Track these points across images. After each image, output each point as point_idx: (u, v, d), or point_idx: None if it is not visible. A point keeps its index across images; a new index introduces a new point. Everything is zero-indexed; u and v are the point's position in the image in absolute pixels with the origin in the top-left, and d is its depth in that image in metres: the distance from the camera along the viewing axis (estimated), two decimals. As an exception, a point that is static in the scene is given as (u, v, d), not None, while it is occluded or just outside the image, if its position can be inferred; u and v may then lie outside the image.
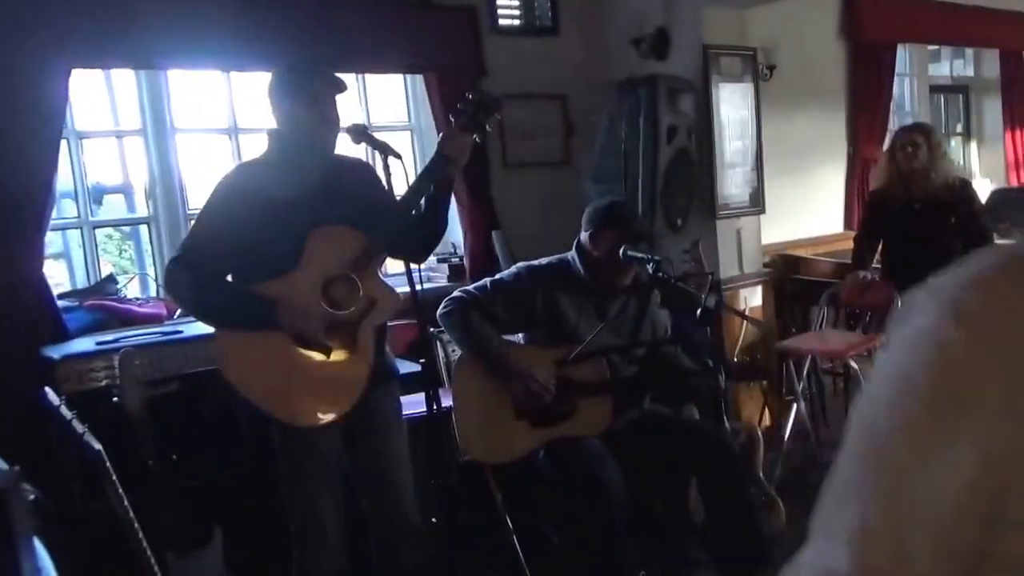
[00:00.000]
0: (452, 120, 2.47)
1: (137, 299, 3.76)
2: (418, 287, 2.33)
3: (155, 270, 3.91)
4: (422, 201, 2.47)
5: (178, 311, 3.69)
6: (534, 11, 4.63)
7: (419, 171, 2.51)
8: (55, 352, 3.14)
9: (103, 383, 3.06)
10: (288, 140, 2.48)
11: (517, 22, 4.58)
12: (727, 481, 2.92)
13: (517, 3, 4.57)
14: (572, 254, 3.07)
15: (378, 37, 4.00)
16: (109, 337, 3.30)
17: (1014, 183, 7.32)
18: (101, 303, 3.60)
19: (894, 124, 6.27)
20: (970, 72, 7.72)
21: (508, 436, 2.91)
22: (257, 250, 2.39)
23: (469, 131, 2.43)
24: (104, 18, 3.35)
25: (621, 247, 2.90)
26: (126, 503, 2.39)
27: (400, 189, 2.44)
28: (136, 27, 3.41)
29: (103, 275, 3.77)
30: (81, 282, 3.79)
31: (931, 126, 4.21)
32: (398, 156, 2.37)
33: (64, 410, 2.40)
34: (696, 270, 4.17)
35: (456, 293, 3.01)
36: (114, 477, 2.38)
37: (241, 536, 2.88)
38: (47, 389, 2.52)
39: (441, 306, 2.97)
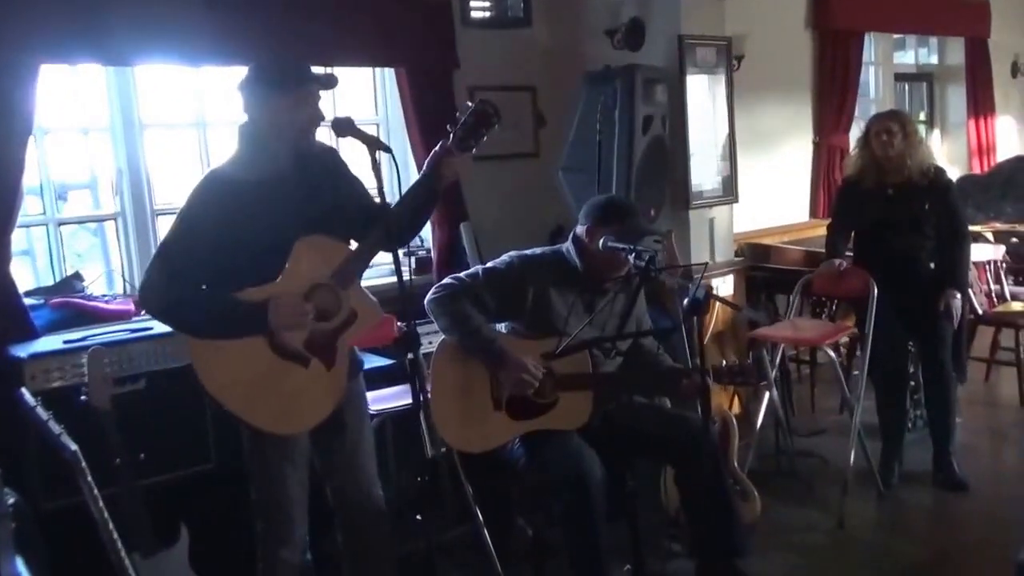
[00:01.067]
0: (451, 133, 2.40)
1: (104, 296, 3.70)
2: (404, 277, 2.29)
3: (122, 266, 3.85)
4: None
5: (146, 307, 3.65)
6: (506, 3, 4.61)
7: (409, 187, 2.45)
8: (22, 351, 3.09)
9: (71, 381, 3.02)
10: (264, 137, 2.38)
11: (488, 14, 4.55)
12: (704, 472, 2.91)
13: (487, -5, 4.55)
14: (568, 245, 3.04)
15: (349, 31, 3.95)
16: (77, 335, 3.25)
17: (977, 170, 7.42)
18: (67, 301, 3.54)
19: (859, 112, 6.33)
20: (934, 60, 7.79)
21: (485, 426, 2.87)
22: (239, 259, 2.33)
23: (468, 146, 2.39)
24: (73, 13, 3.28)
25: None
26: (101, 504, 2.37)
27: (387, 183, 2.37)
28: (105, 22, 3.34)
29: (68, 272, 3.70)
30: (46, 279, 3.71)
31: (906, 114, 4.22)
32: (388, 150, 2.31)
33: (40, 411, 2.37)
34: (668, 260, 4.18)
35: (447, 280, 2.96)
36: (89, 477, 2.36)
37: (207, 535, 2.86)
38: (23, 390, 2.48)
39: (431, 292, 2.93)
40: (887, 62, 7.21)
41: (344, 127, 2.33)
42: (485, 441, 2.91)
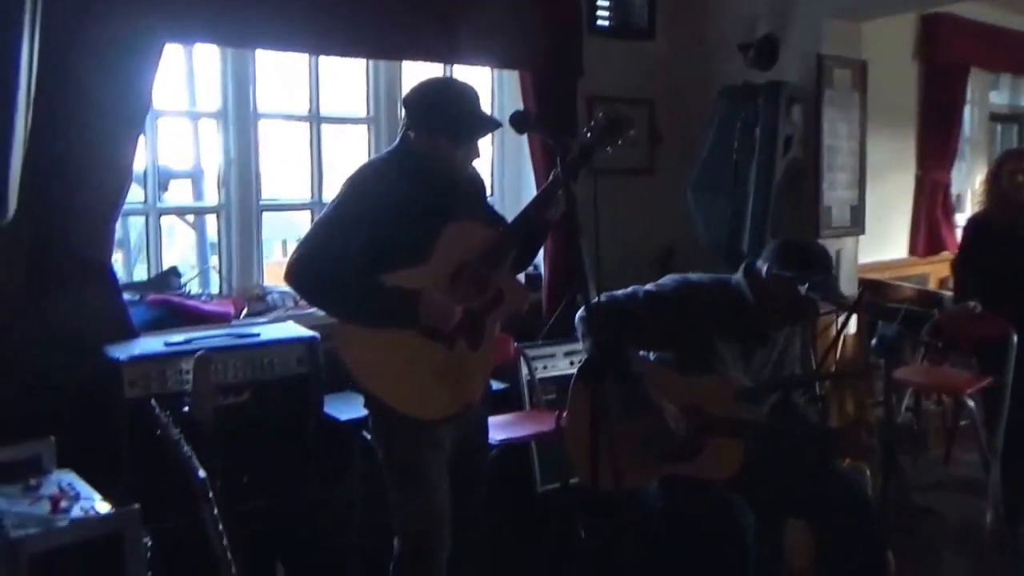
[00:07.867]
0: (577, 138, 2.35)
1: (200, 295, 3.43)
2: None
3: (220, 264, 3.59)
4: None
5: (244, 310, 3.42)
6: (630, 12, 4.37)
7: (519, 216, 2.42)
8: (121, 352, 2.85)
9: (172, 389, 2.80)
10: (423, 160, 2.39)
11: (610, 23, 4.32)
12: (863, 549, 2.62)
13: (610, 3, 4.30)
14: (738, 277, 2.78)
15: (474, 29, 3.70)
16: (179, 338, 3.01)
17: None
18: (165, 299, 3.29)
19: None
20: (1028, 102, 7.53)
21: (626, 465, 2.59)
22: (390, 245, 2.31)
23: (589, 155, 2.33)
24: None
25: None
26: (225, 541, 2.08)
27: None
28: (228, 2, 3.12)
29: (165, 267, 3.43)
30: (139, 274, 3.45)
31: None
32: (568, 145, 2.29)
33: (171, 430, 2.10)
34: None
35: (602, 298, 2.67)
36: (216, 510, 2.07)
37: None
38: (152, 402, 2.21)
39: (581, 310, 2.68)
40: (983, 101, 6.94)
41: (527, 123, 2.39)
42: (624, 480, 2.61)
